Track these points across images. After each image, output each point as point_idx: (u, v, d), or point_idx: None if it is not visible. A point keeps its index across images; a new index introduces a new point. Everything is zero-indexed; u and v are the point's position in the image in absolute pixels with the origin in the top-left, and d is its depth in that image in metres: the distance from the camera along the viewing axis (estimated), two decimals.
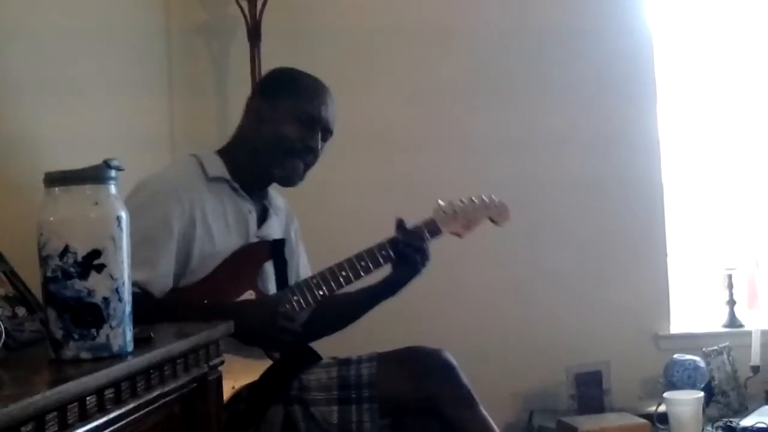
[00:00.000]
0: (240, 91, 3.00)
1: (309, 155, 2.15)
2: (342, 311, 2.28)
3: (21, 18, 2.10)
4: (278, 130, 2.12)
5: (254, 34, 3.03)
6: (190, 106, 3.15)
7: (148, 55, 2.97)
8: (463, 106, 3.21)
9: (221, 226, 2.08)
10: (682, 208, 3.45)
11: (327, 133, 2.19)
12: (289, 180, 2.17)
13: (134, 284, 1.82)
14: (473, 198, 2.31)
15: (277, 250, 2.17)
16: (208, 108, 3.21)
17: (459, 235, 2.29)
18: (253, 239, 2.15)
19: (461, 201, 2.30)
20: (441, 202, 2.28)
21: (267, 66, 2.90)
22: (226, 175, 2.12)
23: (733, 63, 3.47)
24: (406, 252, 2.16)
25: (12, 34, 2.07)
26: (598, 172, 3.20)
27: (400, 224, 2.19)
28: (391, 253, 2.16)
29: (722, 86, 3.49)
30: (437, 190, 2.96)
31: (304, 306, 2.10)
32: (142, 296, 1.86)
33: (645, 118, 3.27)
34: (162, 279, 1.95)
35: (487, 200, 2.33)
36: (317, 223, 2.89)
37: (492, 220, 2.34)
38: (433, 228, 2.23)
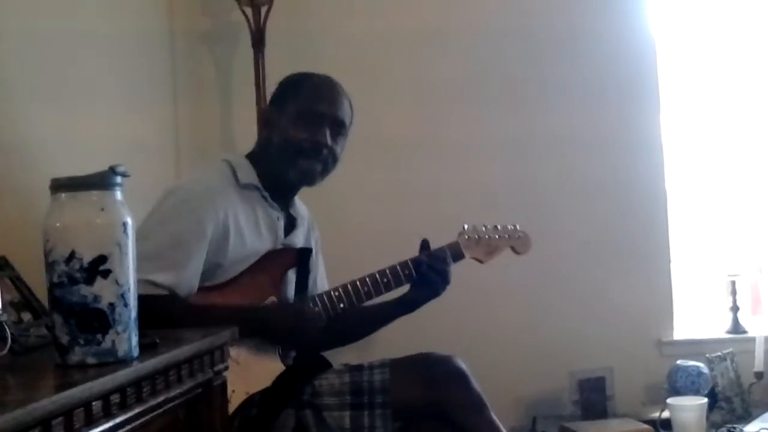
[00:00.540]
0: (244, 97, 3.03)
1: (322, 152, 2.13)
2: (356, 325, 2.29)
3: (25, 24, 2.11)
4: (286, 134, 2.12)
5: (258, 41, 3.03)
6: (194, 112, 3.16)
7: (153, 61, 2.98)
8: (467, 110, 3.21)
9: (253, 232, 2.09)
10: (685, 214, 3.45)
11: (339, 127, 2.17)
12: (305, 179, 2.16)
13: (162, 286, 1.86)
14: (498, 226, 2.36)
15: (302, 258, 2.19)
16: (213, 114, 3.21)
17: (480, 261, 2.34)
18: (280, 246, 2.16)
19: (485, 227, 2.33)
20: (466, 226, 2.31)
21: (271, 72, 2.91)
22: (257, 182, 2.13)
23: (737, 66, 3.48)
24: (429, 274, 2.17)
25: (16, 40, 2.07)
26: (601, 177, 3.21)
27: (424, 245, 2.21)
28: (414, 273, 2.17)
29: (725, 90, 3.49)
30: (442, 193, 2.98)
31: (324, 318, 2.11)
32: (170, 298, 1.88)
33: (648, 123, 3.28)
34: (189, 282, 1.96)
35: (510, 229, 2.38)
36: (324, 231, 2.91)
37: (514, 250, 2.40)
38: (456, 252, 2.26)
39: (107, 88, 2.52)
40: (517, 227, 2.38)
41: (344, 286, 2.13)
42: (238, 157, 2.19)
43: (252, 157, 2.19)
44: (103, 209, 1.30)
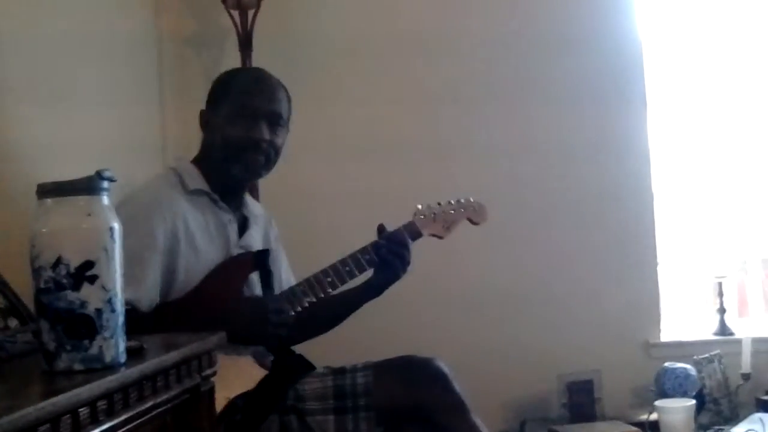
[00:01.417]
0: None
1: (261, 146, 2.14)
2: (326, 314, 2.29)
3: (11, 27, 2.10)
4: (224, 133, 2.13)
5: (245, 44, 3.03)
6: (181, 115, 3.14)
7: (140, 64, 2.97)
8: (453, 114, 3.21)
9: (204, 238, 2.08)
10: (672, 216, 3.47)
11: (276, 119, 2.17)
12: (250, 174, 2.18)
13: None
14: (451, 200, 2.35)
15: (261, 260, 2.17)
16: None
17: (440, 237, 2.33)
18: (235, 249, 2.15)
19: (439, 203, 2.34)
20: (419, 206, 2.32)
21: None
22: (206, 187, 2.12)
23: (723, 71, 3.50)
24: (388, 257, 2.18)
25: (2, 42, 2.06)
26: (588, 180, 3.22)
27: (381, 229, 2.22)
28: (374, 257, 2.18)
29: (712, 94, 3.51)
30: (425, 196, 2.97)
31: (292, 313, 2.10)
32: (131, 312, 1.86)
33: (635, 126, 3.29)
34: (149, 295, 1.95)
35: (464, 201, 2.37)
36: (303, 229, 2.91)
37: (471, 221, 2.38)
38: (413, 231, 2.26)
39: (94, 91, 2.51)
40: (471, 199, 2.37)
41: (308, 280, 2.13)
42: (184, 163, 2.18)
43: (197, 161, 2.18)
44: (89, 214, 1.29)
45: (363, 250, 2.19)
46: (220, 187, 2.15)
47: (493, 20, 3.25)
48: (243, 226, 2.21)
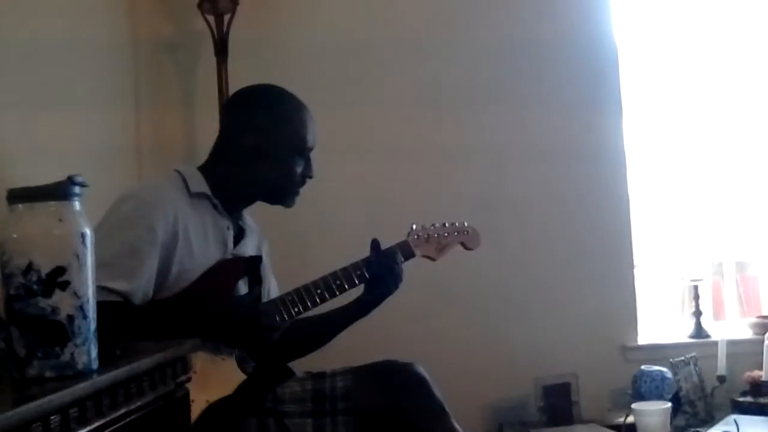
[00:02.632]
0: (207, 105, 3.02)
1: (305, 182, 2.22)
2: (314, 332, 2.29)
3: None
4: (281, 166, 2.15)
5: (221, 49, 3.02)
6: (157, 120, 3.13)
7: (115, 68, 2.95)
8: (431, 120, 3.22)
9: (201, 242, 2.07)
10: (648, 220, 3.49)
11: None
12: (286, 205, 2.22)
13: (117, 293, 1.84)
14: (446, 223, 2.38)
15: (252, 266, 2.18)
16: (175, 122, 3.19)
17: (432, 259, 2.36)
18: (229, 255, 2.15)
19: (434, 225, 2.36)
20: (414, 226, 2.33)
21: (234, 80, 2.90)
22: (208, 191, 2.12)
23: (698, 75, 3.52)
24: (380, 273, 2.19)
25: None
26: (563, 184, 3.23)
27: (375, 245, 2.22)
28: (365, 273, 2.19)
29: (687, 98, 3.53)
30: (409, 202, 2.98)
31: (279, 322, 2.09)
32: (124, 305, 1.86)
33: (611, 131, 3.30)
34: (143, 289, 1.94)
35: (459, 226, 2.40)
36: (292, 237, 2.90)
37: (464, 245, 2.41)
38: (406, 251, 2.28)
39: (68, 95, 2.49)
40: (465, 224, 2.41)
41: (297, 290, 2.13)
42: (189, 168, 2.18)
43: (204, 168, 2.18)
44: (61, 220, 1.27)
45: (355, 266, 2.19)
46: (224, 195, 2.15)
47: (471, 26, 3.25)
48: (239, 235, 2.21)
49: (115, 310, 1.78)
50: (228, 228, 2.15)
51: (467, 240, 2.41)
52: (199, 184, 2.11)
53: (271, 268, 2.37)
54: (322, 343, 2.33)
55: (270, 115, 2.17)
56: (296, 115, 2.19)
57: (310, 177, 2.21)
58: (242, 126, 2.16)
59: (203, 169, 2.18)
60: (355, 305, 2.25)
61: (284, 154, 2.15)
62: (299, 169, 2.17)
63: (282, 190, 2.19)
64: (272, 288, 2.33)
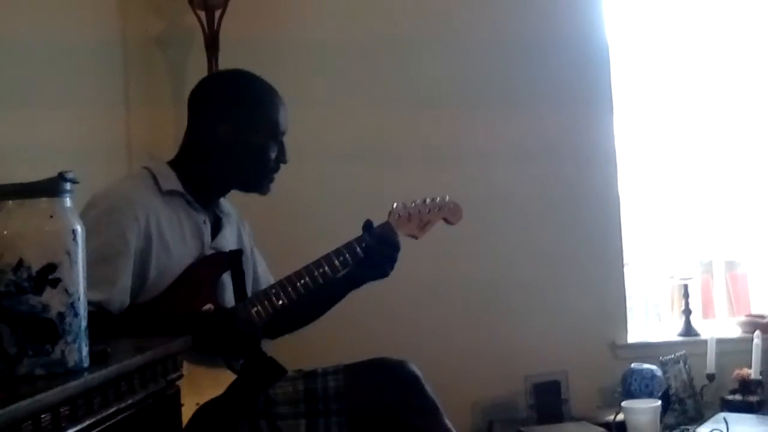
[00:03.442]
0: None
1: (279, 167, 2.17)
2: (302, 310, 2.26)
3: None
4: (260, 152, 2.11)
5: (212, 44, 3.01)
6: (147, 116, 3.12)
7: (105, 64, 2.94)
8: (421, 118, 3.21)
9: (177, 240, 2.05)
10: (638, 219, 3.49)
11: None
12: (262, 192, 2.18)
13: (91, 304, 1.81)
14: (426, 199, 2.34)
15: (233, 260, 2.15)
16: (166, 118, 3.17)
17: (415, 237, 2.31)
18: (209, 251, 2.12)
19: (414, 202, 2.32)
20: (395, 205, 2.30)
21: None
22: (180, 188, 2.08)
23: (689, 74, 3.53)
24: (374, 254, 2.17)
25: None
26: (554, 183, 3.23)
27: (368, 225, 2.20)
28: (349, 259, 2.16)
29: (677, 98, 3.54)
30: (391, 197, 2.97)
31: (264, 316, 2.08)
32: (99, 315, 1.83)
33: (602, 129, 3.31)
34: (120, 297, 1.91)
35: (439, 201, 2.36)
36: (281, 234, 2.89)
37: (446, 221, 2.38)
38: (389, 230, 2.25)
39: (58, 92, 2.48)
40: (446, 198, 2.37)
41: (281, 282, 2.12)
42: (158, 164, 2.13)
43: (174, 163, 2.14)
44: (52, 216, 1.26)
45: (337, 252, 2.17)
46: (197, 189, 2.11)
47: (460, 25, 3.25)
48: (216, 226, 2.18)
49: (91, 322, 1.77)
50: (205, 222, 2.12)
51: (449, 215, 2.37)
52: (171, 181, 2.08)
53: (257, 249, 2.35)
54: (310, 321, 2.31)
55: (239, 103, 2.12)
56: (267, 100, 2.14)
57: (284, 162, 2.16)
58: (211, 117, 2.11)
59: (174, 164, 2.14)
60: (347, 280, 2.23)
61: (257, 142, 2.10)
62: (273, 155, 2.13)
63: (256, 178, 2.14)
64: (261, 272, 2.31)
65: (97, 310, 1.82)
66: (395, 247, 2.20)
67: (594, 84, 3.30)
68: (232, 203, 2.29)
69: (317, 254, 2.17)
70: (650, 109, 3.54)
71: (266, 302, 2.08)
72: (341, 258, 2.16)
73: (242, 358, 2.05)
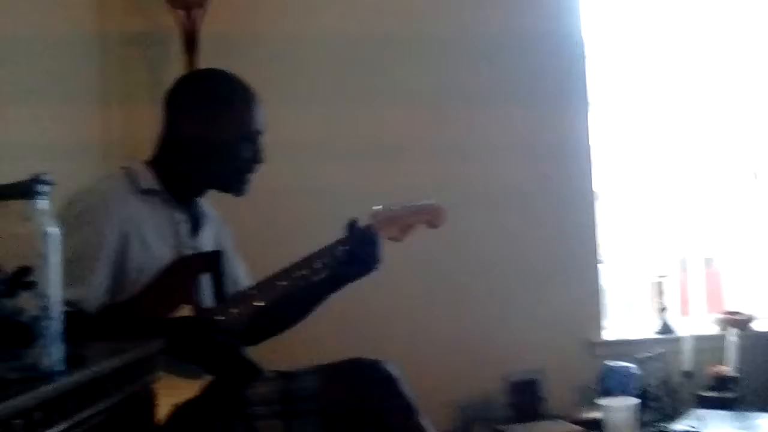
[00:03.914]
0: None
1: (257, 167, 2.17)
2: (284, 312, 2.25)
3: None
4: (231, 152, 2.10)
5: (191, 44, 3.00)
6: (126, 115, 3.10)
7: (83, 63, 2.92)
8: (398, 115, 3.21)
9: (156, 238, 2.04)
10: (613, 216, 3.51)
11: None
12: (239, 193, 2.17)
13: (67, 303, 1.80)
14: (408, 203, 2.33)
15: (212, 261, 2.15)
16: (145, 118, 3.14)
17: (397, 240, 2.30)
18: (187, 250, 2.12)
19: (397, 206, 2.31)
20: (377, 208, 2.29)
21: None
22: (157, 186, 2.09)
23: (665, 71, 3.55)
24: (356, 252, 2.16)
25: None
26: (530, 180, 3.25)
27: (352, 224, 2.20)
28: (329, 262, 2.15)
29: (652, 94, 3.56)
30: (372, 196, 2.97)
31: (243, 318, 2.08)
32: (74, 314, 1.82)
33: (577, 126, 3.33)
34: (95, 296, 1.91)
35: (423, 204, 2.35)
36: (262, 235, 2.89)
37: (429, 224, 2.35)
38: (370, 232, 2.23)
39: (34, 91, 2.46)
40: (431, 201, 2.34)
41: (260, 283, 2.12)
42: (136, 164, 2.14)
43: (151, 162, 2.14)
44: (26, 219, 1.26)
45: (320, 253, 2.16)
46: (175, 188, 2.11)
47: (435, 22, 3.26)
48: (195, 226, 2.18)
49: (66, 321, 1.76)
50: (184, 221, 2.12)
51: (432, 217, 2.33)
52: (148, 180, 2.08)
53: (237, 253, 2.34)
54: (296, 322, 2.30)
55: (210, 102, 2.12)
56: (238, 98, 2.14)
57: (259, 162, 2.15)
58: (184, 116, 2.12)
59: (150, 163, 2.14)
60: (330, 280, 2.21)
61: (229, 141, 2.10)
62: (247, 155, 2.12)
63: (230, 179, 2.14)
64: (240, 275, 2.30)
65: (73, 310, 1.81)
66: (376, 245, 2.19)
67: (569, 80, 3.32)
68: (214, 207, 2.29)
69: (299, 255, 2.17)
70: (626, 105, 3.56)
71: (245, 304, 2.08)
72: (323, 258, 2.16)
73: (217, 364, 2.05)
